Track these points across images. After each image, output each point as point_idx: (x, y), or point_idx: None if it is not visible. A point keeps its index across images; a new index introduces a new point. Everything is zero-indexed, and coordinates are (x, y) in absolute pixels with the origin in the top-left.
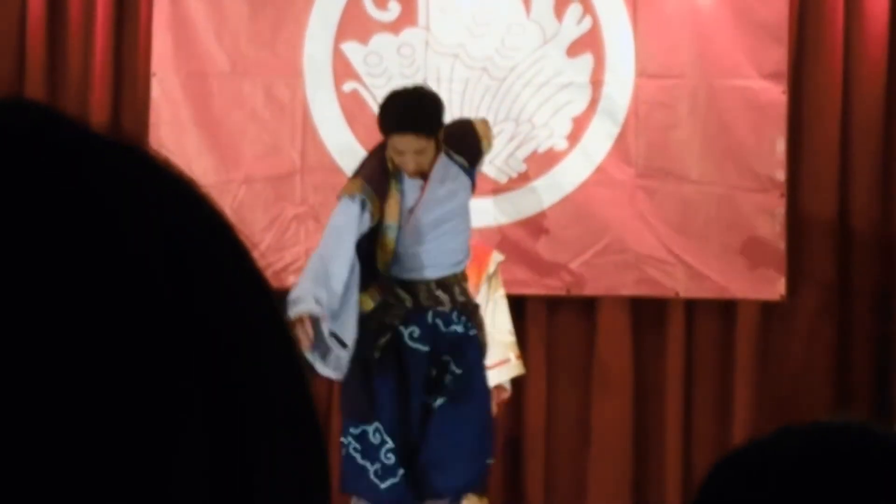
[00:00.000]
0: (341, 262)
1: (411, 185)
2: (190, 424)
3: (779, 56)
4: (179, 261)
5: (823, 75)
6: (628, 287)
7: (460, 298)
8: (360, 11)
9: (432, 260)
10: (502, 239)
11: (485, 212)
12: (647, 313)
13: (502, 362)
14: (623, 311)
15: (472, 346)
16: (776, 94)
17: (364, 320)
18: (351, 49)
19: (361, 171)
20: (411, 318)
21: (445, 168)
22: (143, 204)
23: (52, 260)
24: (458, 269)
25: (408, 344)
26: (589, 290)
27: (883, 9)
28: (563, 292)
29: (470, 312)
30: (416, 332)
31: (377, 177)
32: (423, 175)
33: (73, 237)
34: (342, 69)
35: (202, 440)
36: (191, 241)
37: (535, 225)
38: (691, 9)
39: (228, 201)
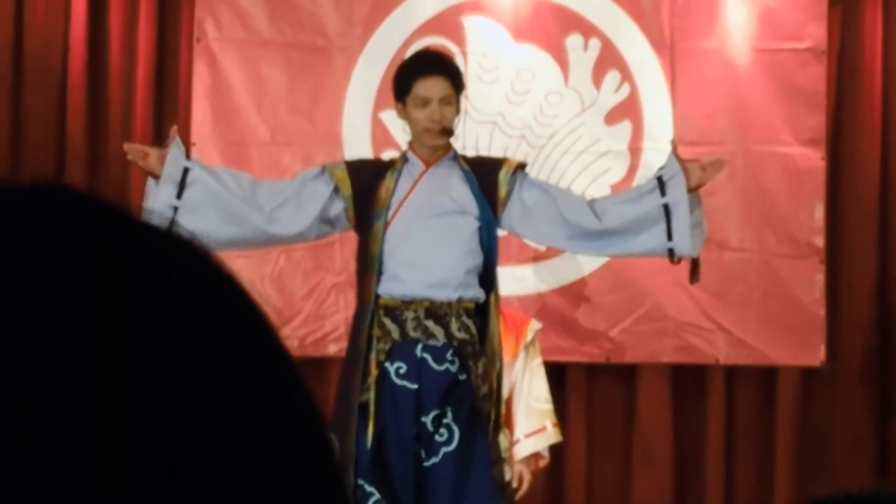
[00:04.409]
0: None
1: (406, 178)
2: None
3: (817, 122)
4: (219, 356)
5: (862, 141)
6: (668, 354)
7: (459, 335)
8: None
9: (421, 272)
10: (542, 306)
11: (524, 279)
12: (687, 380)
13: (538, 431)
14: (663, 378)
15: (466, 394)
16: (815, 160)
17: (349, 361)
18: (390, 118)
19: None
20: (397, 351)
21: (451, 167)
22: (181, 296)
23: (89, 354)
24: (454, 297)
25: (395, 382)
26: (629, 357)
27: None
28: (602, 360)
29: (467, 354)
30: (403, 368)
31: (369, 162)
32: (449, 133)
33: (113, 330)
34: (381, 138)
35: None
36: (228, 334)
37: (574, 292)
38: (729, 76)
39: (269, 270)
